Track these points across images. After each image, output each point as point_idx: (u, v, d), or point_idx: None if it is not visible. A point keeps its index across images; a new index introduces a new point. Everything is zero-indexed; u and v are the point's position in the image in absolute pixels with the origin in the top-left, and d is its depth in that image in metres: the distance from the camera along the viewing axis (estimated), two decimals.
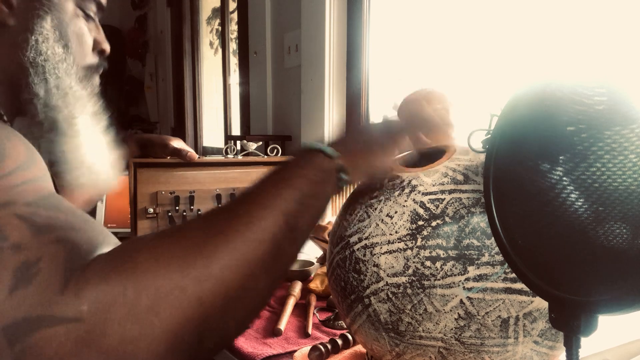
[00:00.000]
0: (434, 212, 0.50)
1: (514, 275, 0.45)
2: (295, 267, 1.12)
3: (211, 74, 3.16)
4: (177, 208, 1.18)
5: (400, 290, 0.50)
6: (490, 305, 0.48)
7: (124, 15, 3.67)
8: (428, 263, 0.49)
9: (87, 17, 0.66)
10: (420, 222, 0.50)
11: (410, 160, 0.60)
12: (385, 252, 0.51)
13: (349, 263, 0.54)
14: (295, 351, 0.76)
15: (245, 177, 1.23)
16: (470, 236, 0.48)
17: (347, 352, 0.74)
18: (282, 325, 0.85)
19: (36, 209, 0.40)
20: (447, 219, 0.50)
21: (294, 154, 0.51)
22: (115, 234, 0.44)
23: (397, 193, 0.53)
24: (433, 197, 0.51)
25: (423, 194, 0.52)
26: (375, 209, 0.54)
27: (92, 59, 0.68)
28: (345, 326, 0.83)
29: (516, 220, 0.40)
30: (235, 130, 2.76)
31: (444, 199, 0.51)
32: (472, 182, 0.51)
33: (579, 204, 0.35)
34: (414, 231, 0.50)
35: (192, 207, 1.19)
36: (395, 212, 0.52)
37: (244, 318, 0.42)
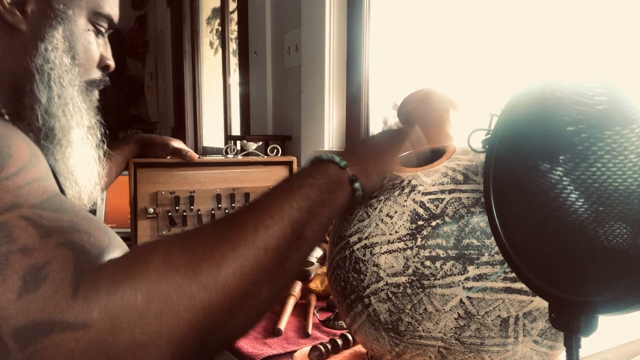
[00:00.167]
0: (433, 212, 0.50)
1: (513, 274, 0.45)
2: None
3: (211, 74, 3.16)
4: (177, 208, 1.18)
5: (400, 290, 0.50)
6: (490, 305, 0.48)
7: (124, 15, 3.67)
8: (428, 263, 0.49)
9: (98, 32, 0.67)
10: (420, 222, 0.50)
11: (410, 160, 0.60)
12: (385, 252, 0.51)
13: (349, 263, 0.54)
14: (295, 351, 0.76)
15: (245, 177, 1.23)
16: (470, 236, 0.48)
17: (347, 352, 0.74)
18: (282, 325, 0.85)
19: (42, 210, 0.40)
20: (447, 218, 0.50)
21: (305, 165, 0.52)
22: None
23: (397, 193, 0.53)
24: (433, 197, 0.51)
25: (423, 193, 0.52)
26: (375, 208, 0.54)
27: (96, 74, 0.70)
28: (345, 326, 0.83)
29: (516, 220, 0.40)
30: (235, 130, 2.76)
31: (444, 198, 0.51)
32: (472, 182, 0.51)
33: (579, 204, 0.35)
34: (413, 231, 0.50)
35: (192, 207, 1.19)
36: (395, 212, 0.52)
37: (246, 324, 0.42)
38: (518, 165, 0.40)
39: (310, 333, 0.84)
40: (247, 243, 0.40)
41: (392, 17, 1.57)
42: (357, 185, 0.50)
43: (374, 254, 0.52)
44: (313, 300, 0.98)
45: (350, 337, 0.75)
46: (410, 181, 0.54)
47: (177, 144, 1.13)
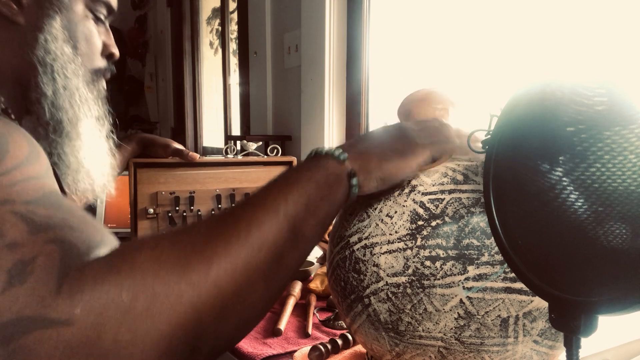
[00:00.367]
0: (433, 212, 0.50)
1: (513, 274, 0.45)
2: None
3: (211, 74, 3.16)
4: (177, 208, 1.18)
5: (400, 290, 0.50)
6: (490, 305, 0.48)
7: (124, 15, 3.67)
8: (428, 263, 0.49)
9: (97, 19, 0.66)
10: (420, 222, 0.50)
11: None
12: (385, 252, 0.51)
13: (349, 263, 0.54)
14: (295, 351, 0.76)
15: (245, 177, 1.23)
16: (470, 236, 0.48)
17: (347, 352, 0.74)
18: (282, 325, 0.85)
19: (35, 207, 0.39)
20: (446, 218, 0.50)
21: (304, 160, 0.49)
22: (115, 234, 0.43)
23: (396, 193, 0.54)
24: (433, 197, 0.51)
25: (423, 193, 0.52)
26: (375, 208, 0.54)
27: (101, 62, 0.68)
28: (345, 326, 0.83)
29: (516, 220, 0.40)
30: (235, 130, 2.76)
31: (444, 198, 0.51)
32: (472, 182, 0.51)
33: (579, 204, 0.35)
34: (413, 231, 0.50)
35: (192, 207, 1.19)
36: (395, 212, 0.52)
37: (240, 326, 0.41)
38: (518, 165, 0.40)
39: (310, 333, 0.84)
40: (240, 239, 0.38)
41: (392, 17, 1.57)
42: (354, 181, 0.48)
43: (374, 254, 0.52)
44: (313, 300, 0.98)
45: (350, 337, 0.75)
46: (410, 181, 0.54)
47: (178, 145, 1.13)
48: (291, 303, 0.94)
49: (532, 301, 0.48)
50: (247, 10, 2.15)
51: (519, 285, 0.47)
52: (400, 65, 1.54)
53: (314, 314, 0.91)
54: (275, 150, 1.29)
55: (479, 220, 0.49)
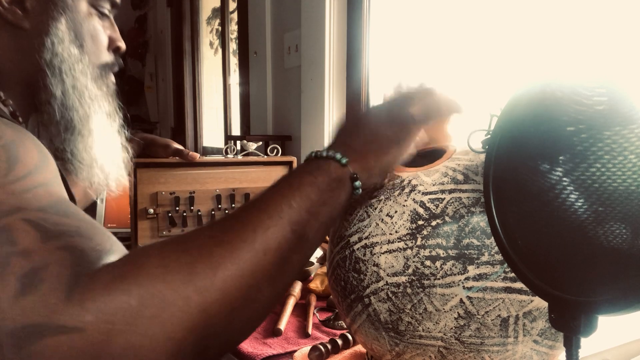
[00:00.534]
0: (433, 211, 0.50)
1: (513, 274, 0.45)
2: None
3: (211, 74, 3.16)
4: (177, 209, 1.18)
5: (400, 290, 0.50)
6: (490, 305, 0.48)
7: (124, 15, 3.67)
8: (428, 262, 0.49)
9: (102, 15, 0.67)
10: (420, 222, 0.50)
11: (410, 160, 0.60)
12: (385, 252, 0.51)
13: (349, 263, 0.54)
14: (295, 351, 0.76)
15: (245, 177, 1.23)
16: (470, 235, 0.48)
17: (347, 352, 0.74)
18: (282, 325, 0.85)
19: (46, 214, 0.40)
20: (447, 218, 0.50)
21: (304, 162, 0.49)
22: (115, 234, 0.43)
23: (397, 193, 0.54)
24: (433, 196, 0.51)
25: (423, 193, 0.52)
26: (375, 208, 0.54)
27: (108, 57, 0.69)
28: (345, 326, 0.83)
29: (516, 220, 0.40)
30: (235, 130, 2.76)
31: (444, 198, 0.51)
32: (472, 181, 0.51)
33: (579, 204, 0.35)
34: (413, 231, 0.50)
35: (192, 207, 1.19)
36: (395, 212, 0.52)
37: (247, 326, 0.42)
38: (518, 165, 0.40)
39: (310, 333, 0.84)
40: (246, 245, 0.39)
41: (392, 17, 1.57)
42: (357, 183, 0.48)
43: (374, 254, 0.52)
44: (313, 300, 0.98)
45: (350, 337, 0.75)
46: (410, 181, 0.54)
47: (178, 145, 1.13)
48: (291, 303, 0.94)
49: (532, 301, 0.48)
50: (247, 10, 2.15)
51: (519, 285, 0.47)
52: (400, 65, 1.54)
53: (314, 314, 0.91)
54: (275, 150, 1.29)
55: (479, 220, 0.49)
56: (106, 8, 0.67)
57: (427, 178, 0.53)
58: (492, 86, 1.16)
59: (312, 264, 1.16)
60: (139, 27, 3.65)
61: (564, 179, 0.35)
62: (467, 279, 0.48)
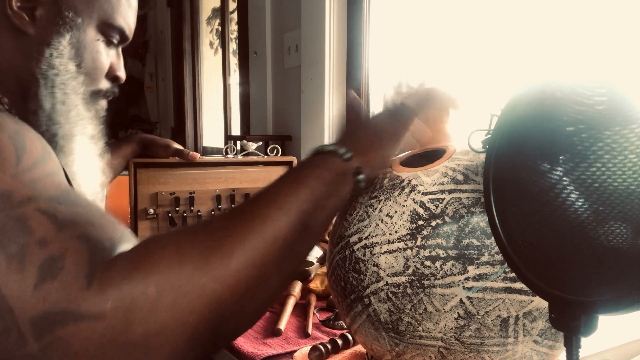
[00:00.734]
0: (433, 211, 0.50)
1: (513, 274, 0.45)
2: None
3: (211, 74, 3.16)
4: (177, 209, 1.18)
5: (400, 290, 0.50)
6: (490, 305, 0.48)
7: None
8: (428, 263, 0.49)
9: (109, 42, 0.67)
10: (420, 222, 0.50)
11: (410, 160, 0.60)
12: (385, 252, 0.51)
13: (349, 263, 0.54)
14: (295, 351, 0.76)
15: (245, 177, 1.23)
16: (470, 236, 0.48)
17: (347, 352, 0.74)
18: (282, 325, 0.85)
19: (58, 204, 0.41)
20: (446, 218, 0.50)
21: (309, 156, 0.52)
22: None
23: (397, 193, 0.54)
24: (433, 196, 0.51)
25: (423, 193, 0.52)
26: (375, 208, 0.54)
27: (104, 84, 0.70)
28: (345, 326, 0.83)
29: (516, 220, 0.40)
30: (235, 130, 2.76)
31: (444, 198, 0.51)
32: (472, 181, 0.51)
33: (579, 204, 0.35)
34: (413, 231, 0.50)
35: (192, 207, 1.19)
36: (395, 212, 0.52)
37: (255, 312, 0.44)
38: (518, 165, 0.40)
39: (310, 333, 0.84)
40: (256, 234, 0.41)
41: (392, 17, 1.57)
42: (361, 177, 0.51)
43: (374, 254, 0.52)
44: (313, 300, 0.98)
45: (350, 337, 0.75)
46: (410, 181, 0.54)
47: (178, 145, 1.14)
48: (291, 303, 0.94)
49: (532, 301, 0.48)
50: (247, 10, 2.15)
51: (519, 285, 0.47)
52: (400, 65, 1.54)
53: (314, 314, 0.91)
54: (275, 150, 1.29)
55: (479, 220, 0.49)
56: (115, 38, 0.68)
57: (427, 178, 0.53)
58: (492, 86, 1.16)
59: (312, 264, 1.16)
60: (139, 27, 3.64)
61: (564, 178, 0.35)
62: (467, 279, 0.48)
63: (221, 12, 2.89)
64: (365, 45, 1.60)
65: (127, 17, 0.68)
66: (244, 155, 1.31)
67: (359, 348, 0.75)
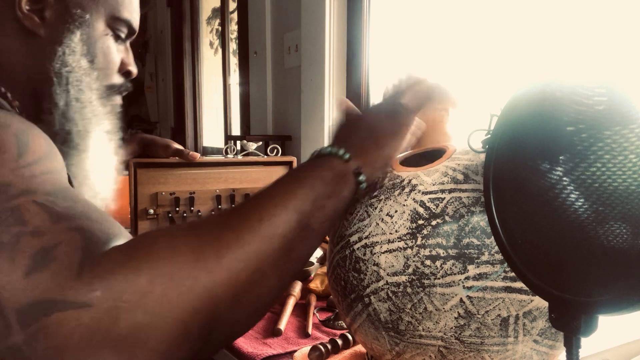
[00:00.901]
0: (434, 211, 0.50)
1: (514, 274, 0.45)
2: None
3: (211, 74, 3.16)
4: (177, 209, 1.18)
5: (400, 289, 0.50)
6: (490, 304, 0.48)
7: None
8: (428, 262, 0.49)
9: (118, 37, 0.68)
10: (420, 221, 0.50)
11: (410, 159, 0.60)
12: (386, 251, 0.51)
13: (349, 262, 0.54)
14: (295, 351, 0.76)
15: (245, 177, 1.23)
16: (470, 235, 0.48)
17: (347, 352, 0.74)
18: (282, 325, 0.85)
19: (55, 198, 0.41)
20: (447, 218, 0.50)
21: (308, 159, 0.52)
22: None
23: (397, 192, 0.54)
24: (433, 196, 0.51)
25: (423, 193, 0.52)
26: (376, 208, 0.54)
27: (117, 79, 0.70)
28: (345, 326, 0.83)
29: (516, 220, 0.40)
30: (235, 130, 2.76)
31: (444, 198, 0.51)
32: (472, 181, 0.51)
33: (579, 204, 0.35)
34: (414, 230, 0.50)
35: (192, 208, 1.19)
36: (396, 211, 0.52)
37: (253, 313, 0.43)
38: (518, 165, 0.40)
39: (310, 333, 0.84)
40: (252, 230, 0.41)
41: (392, 17, 1.57)
42: (361, 178, 0.51)
43: (374, 253, 0.52)
44: (313, 300, 0.98)
45: (350, 337, 0.75)
46: (410, 180, 0.54)
47: (178, 145, 1.14)
48: (291, 303, 0.94)
49: (532, 301, 0.48)
50: (247, 10, 2.15)
51: (519, 284, 0.47)
52: (400, 65, 1.54)
53: (314, 314, 0.91)
54: (275, 150, 1.29)
55: (479, 220, 0.49)
56: (123, 32, 0.68)
57: (427, 178, 0.53)
58: (492, 86, 1.16)
59: (312, 264, 1.16)
60: (139, 27, 3.65)
61: (564, 178, 0.35)
62: (467, 278, 0.48)
63: (221, 12, 2.89)
64: (365, 45, 1.60)
65: (132, 9, 0.69)
66: (244, 155, 1.31)
67: (359, 348, 0.75)
